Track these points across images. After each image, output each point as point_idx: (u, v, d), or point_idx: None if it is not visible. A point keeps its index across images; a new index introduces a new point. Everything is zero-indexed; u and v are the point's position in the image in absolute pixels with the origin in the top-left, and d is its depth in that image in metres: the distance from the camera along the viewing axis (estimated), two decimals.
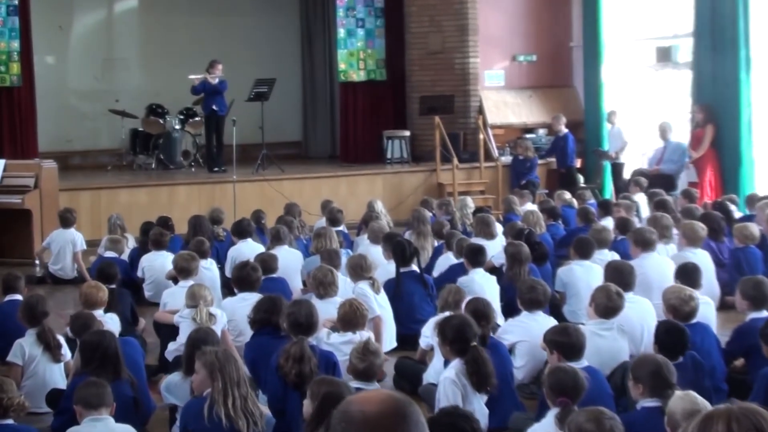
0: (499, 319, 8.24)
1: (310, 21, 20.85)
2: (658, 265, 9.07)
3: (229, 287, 9.39)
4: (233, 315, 8.02)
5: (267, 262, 9.00)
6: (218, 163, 16.54)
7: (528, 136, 17.70)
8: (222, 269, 10.55)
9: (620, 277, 7.66)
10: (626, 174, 16.43)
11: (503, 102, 18.13)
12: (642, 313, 7.60)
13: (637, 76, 17.91)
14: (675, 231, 10.54)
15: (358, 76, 18.28)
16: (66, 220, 12.04)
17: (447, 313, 6.98)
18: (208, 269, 9.79)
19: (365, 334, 7.27)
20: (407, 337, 8.53)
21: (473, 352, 6.12)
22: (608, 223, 11.35)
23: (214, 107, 16.41)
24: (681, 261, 8.70)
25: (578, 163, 17.39)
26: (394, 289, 8.92)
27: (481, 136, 16.93)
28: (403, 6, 18.24)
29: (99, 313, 7.60)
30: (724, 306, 9.21)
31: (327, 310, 7.72)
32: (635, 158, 17.19)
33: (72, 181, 15.22)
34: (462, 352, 6.17)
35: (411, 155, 17.73)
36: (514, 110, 18.13)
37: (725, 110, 15.19)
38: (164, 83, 18.96)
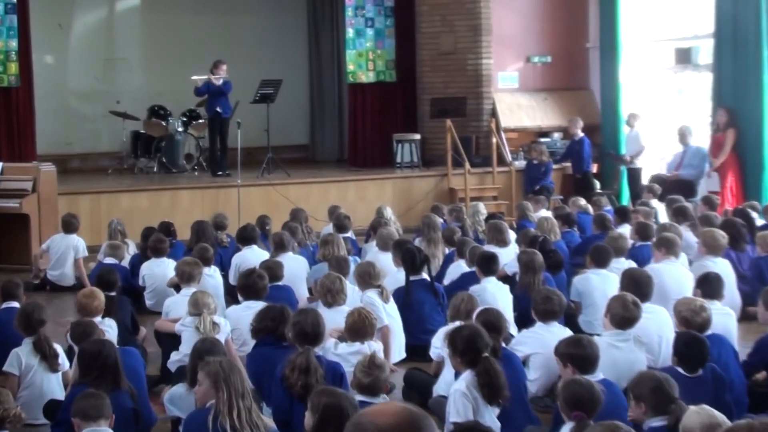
0: (512, 329, 8.24)
1: (317, 20, 20.88)
2: (677, 274, 9.06)
3: (232, 295, 9.40)
4: (238, 324, 8.02)
5: (272, 270, 9.00)
6: (222, 166, 16.54)
7: (542, 140, 17.71)
8: (225, 276, 10.56)
9: (637, 287, 7.61)
10: (644, 179, 16.41)
11: (517, 104, 18.12)
12: (660, 323, 7.58)
13: (656, 78, 17.90)
14: (694, 239, 10.54)
15: (367, 77, 18.29)
16: (69, 225, 12.07)
17: (457, 323, 6.98)
18: (212, 276, 9.81)
19: (374, 344, 7.27)
20: (417, 347, 8.54)
21: (485, 363, 6.08)
22: (625, 230, 11.34)
23: (218, 109, 16.41)
24: (701, 270, 8.69)
25: (594, 168, 17.38)
26: (403, 298, 8.92)
27: (494, 140, 16.93)
28: (413, 5, 18.25)
29: (97, 319, 7.61)
30: (745, 317, 9.19)
31: (334, 319, 7.73)
32: (653, 163, 17.16)
33: (71, 185, 15.23)
34: (473, 364, 6.14)
35: (421, 159, 17.72)
36: (528, 113, 18.13)
37: (747, 114, 15.16)
38: (167, 84, 19.00)
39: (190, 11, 19.89)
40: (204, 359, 5.83)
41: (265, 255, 10.49)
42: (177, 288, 9.25)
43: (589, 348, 6.10)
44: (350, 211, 13.44)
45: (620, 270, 8.75)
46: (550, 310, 7.46)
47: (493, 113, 17.80)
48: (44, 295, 11.31)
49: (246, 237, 11.06)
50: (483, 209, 13.04)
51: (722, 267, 9.31)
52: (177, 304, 8.49)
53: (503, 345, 6.90)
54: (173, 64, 19.04)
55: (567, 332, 7.23)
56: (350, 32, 18.24)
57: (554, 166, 16.87)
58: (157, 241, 10.84)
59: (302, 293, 10.03)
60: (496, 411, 6.17)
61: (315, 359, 6.28)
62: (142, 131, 18.15)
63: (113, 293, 8.63)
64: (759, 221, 12.17)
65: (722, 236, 9.87)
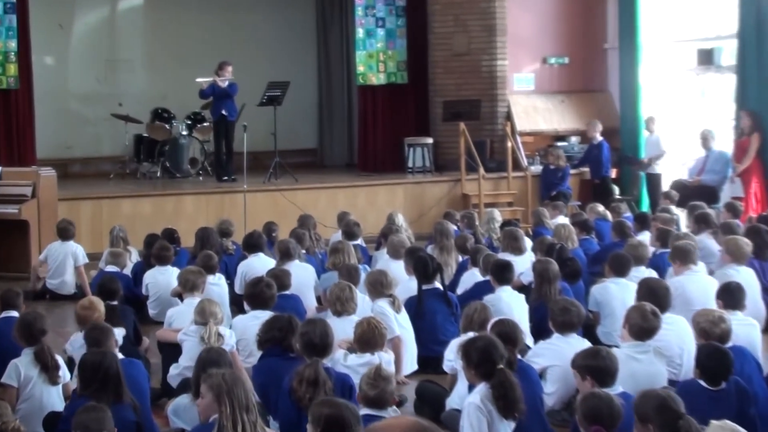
0: (528, 340, 8.23)
1: (326, 20, 20.90)
2: (699, 283, 9.04)
3: (237, 304, 9.40)
4: (244, 334, 8.03)
5: (280, 278, 8.99)
6: (228, 171, 16.57)
7: (559, 144, 17.69)
8: (231, 285, 10.57)
9: (654, 298, 7.55)
10: (664, 185, 16.37)
11: (533, 107, 18.12)
12: (681, 334, 7.56)
13: (677, 80, 17.87)
14: (717, 247, 10.51)
15: (377, 79, 18.30)
16: (65, 232, 12.07)
17: (471, 334, 6.96)
18: (217, 285, 9.80)
19: (384, 355, 7.27)
20: (429, 359, 8.53)
21: (500, 376, 6.07)
22: (645, 237, 11.32)
23: (223, 112, 16.44)
24: (724, 279, 8.67)
25: (613, 174, 17.35)
26: (415, 308, 8.91)
27: (509, 144, 16.93)
28: (426, 4, 18.26)
29: None
30: None
31: (344, 328, 7.73)
32: (675, 168, 17.13)
33: (72, 190, 15.27)
34: (488, 376, 6.12)
35: (434, 164, 17.71)
36: (544, 116, 18.12)
37: None
38: (171, 86, 19.04)
39: (194, 10, 19.92)
40: (207, 371, 5.82)
41: (271, 263, 10.48)
42: (181, 297, 9.25)
43: (608, 360, 6.09)
44: (360, 217, 13.44)
45: (640, 279, 8.73)
46: (568, 322, 7.44)
47: (508, 116, 17.80)
48: (44, 305, 11.33)
49: (252, 244, 11.05)
50: (498, 216, 13.02)
51: (746, 276, 9.29)
52: (180, 314, 8.50)
53: (519, 357, 6.89)
54: (177, 65, 19.10)
55: (585, 344, 7.22)
56: (360, 32, 18.26)
57: (572, 171, 16.85)
58: (160, 248, 10.83)
59: (310, 302, 10.03)
60: (512, 425, 6.14)
61: (324, 371, 6.28)
62: (145, 135, 18.16)
63: (115, 302, 8.65)
64: None
65: (746, 244, 9.84)
